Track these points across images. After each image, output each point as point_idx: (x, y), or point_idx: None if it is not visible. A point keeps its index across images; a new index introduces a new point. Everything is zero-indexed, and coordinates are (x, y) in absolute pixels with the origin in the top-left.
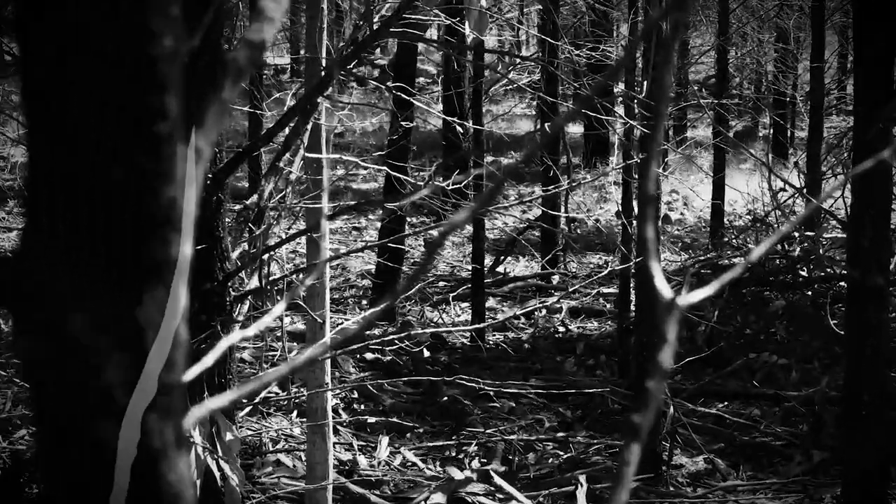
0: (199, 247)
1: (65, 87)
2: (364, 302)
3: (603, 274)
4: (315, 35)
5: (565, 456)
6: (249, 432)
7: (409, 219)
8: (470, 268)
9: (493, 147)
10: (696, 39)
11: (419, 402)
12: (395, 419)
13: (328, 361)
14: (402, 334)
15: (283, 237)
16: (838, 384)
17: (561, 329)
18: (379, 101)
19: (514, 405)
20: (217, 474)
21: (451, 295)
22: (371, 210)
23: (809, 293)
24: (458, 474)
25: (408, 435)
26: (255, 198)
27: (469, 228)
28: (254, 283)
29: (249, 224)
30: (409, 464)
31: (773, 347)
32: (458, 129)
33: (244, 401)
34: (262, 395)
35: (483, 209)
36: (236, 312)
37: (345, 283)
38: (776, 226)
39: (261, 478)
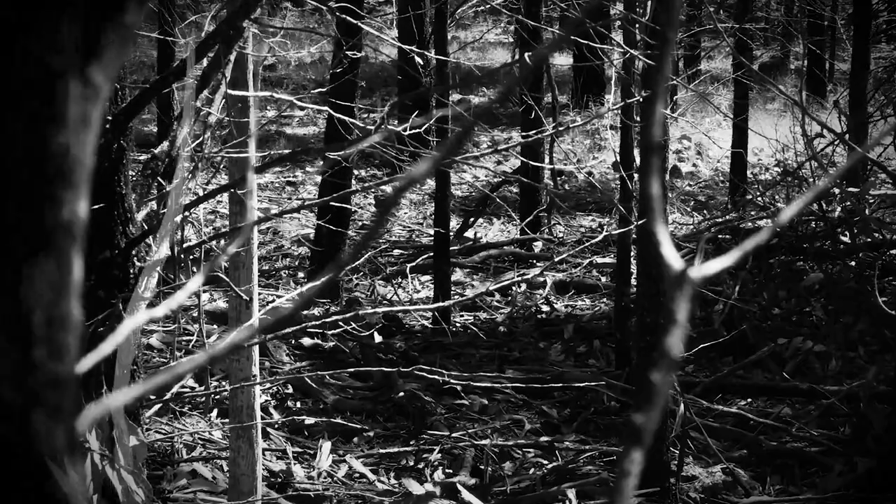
0: (95, 206)
1: None
2: (300, 275)
3: (597, 240)
4: None
5: (550, 465)
6: (159, 436)
7: (356, 171)
8: (432, 232)
9: (460, 82)
10: None
11: (369, 398)
12: (339, 420)
13: (256, 348)
14: (348, 315)
15: (201, 194)
16: (888, 376)
17: (545, 308)
18: (319, 26)
19: (486, 402)
20: (118, 488)
21: (409, 266)
22: (309, 161)
23: (853, 264)
24: (417, 488)
25: (355, 439)
26: (165, 145)
27: (431, 184)
28: (164, 250)
29: (158, 178)
30: (357, 475)
31: (808, 331)
32: (418, 60)
33: (152, 397)
34: (175, 390)
35: (448, 159)
36: (142, 287)
37: (277, 251)
38: (812, 180)
39: (172, 492)
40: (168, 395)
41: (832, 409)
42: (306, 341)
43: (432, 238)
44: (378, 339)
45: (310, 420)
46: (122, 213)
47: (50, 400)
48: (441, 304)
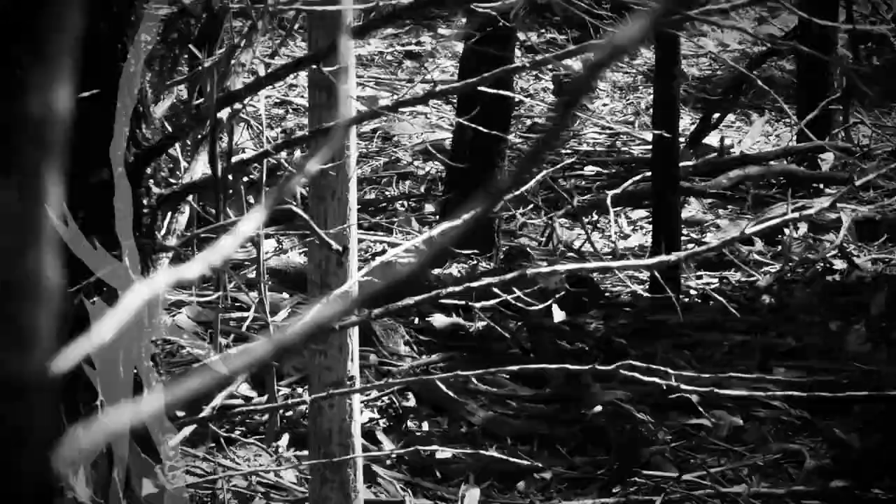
0: (85, 94)
1: None
2: (428, 209)
3: None
4: None
5: None
6: (193, 480)
7: (521, 35)
8: (649, 138)
9: None
10: None
11: (544, 416)
12: (493, 451)
13: (355, 332)
14: (510, 276)
15: (262, 73)
16: None
17: (838, 265)
18: None
19: (741, 423)
20: None
21: (611, 194)
22: (444, 16)
23: None
24: None
25: (521, 484)
26: None
27: (648, 56)
28: (199, 167)
29: (189, 45)
30: None
31: None
32: None
33: (180, 414)
34: (219, 402)
35: (677, 13)
36: (163, 228)
37: (389, 168)
38: None
39: None
40: (207, 411)
41: None
42: (438, 320)
43: (649, 147)
44: (559, 316)
45: (445, 452)
46: (130, 103)
47: (7, 419)
48: (664, 258)
